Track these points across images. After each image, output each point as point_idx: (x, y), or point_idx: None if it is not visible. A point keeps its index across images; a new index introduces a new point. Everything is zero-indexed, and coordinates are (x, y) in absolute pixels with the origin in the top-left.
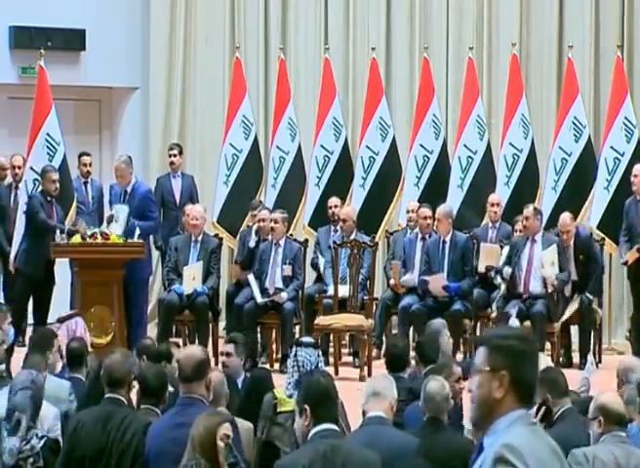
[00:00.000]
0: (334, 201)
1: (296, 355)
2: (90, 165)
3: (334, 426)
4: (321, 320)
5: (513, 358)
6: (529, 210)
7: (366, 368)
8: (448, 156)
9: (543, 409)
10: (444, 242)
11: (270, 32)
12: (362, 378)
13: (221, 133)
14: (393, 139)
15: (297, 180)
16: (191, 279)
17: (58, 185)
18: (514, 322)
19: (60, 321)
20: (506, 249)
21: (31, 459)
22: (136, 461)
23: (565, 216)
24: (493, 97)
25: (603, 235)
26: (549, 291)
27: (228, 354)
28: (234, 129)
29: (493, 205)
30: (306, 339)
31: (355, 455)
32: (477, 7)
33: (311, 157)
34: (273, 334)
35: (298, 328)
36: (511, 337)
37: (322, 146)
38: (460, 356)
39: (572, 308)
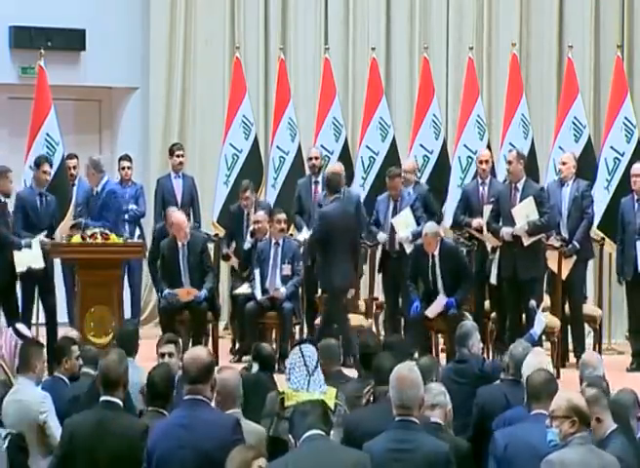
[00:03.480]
0: (314, 152)
1: (301, 350)
2: (74, 168)
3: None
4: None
5: None
6: (512, 153)
7: None
8: (448, 156)
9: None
10: (433, 256)
11: (270, 32)
12: None
13: (221, 133)
14: (393, 139)
15: (297, 180)
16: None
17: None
18: (540, 316)
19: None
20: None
21: None
22: None
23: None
24: (493, 97)
25: (603, 235)
26: (525, 244)
27: (170, 354)
28: (234, 129)
29: (482, 162)
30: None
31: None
32: (477, 7)
33: None
34: (273, 334)
35: (297, 328)
36: None
37: (322, 146)
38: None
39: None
